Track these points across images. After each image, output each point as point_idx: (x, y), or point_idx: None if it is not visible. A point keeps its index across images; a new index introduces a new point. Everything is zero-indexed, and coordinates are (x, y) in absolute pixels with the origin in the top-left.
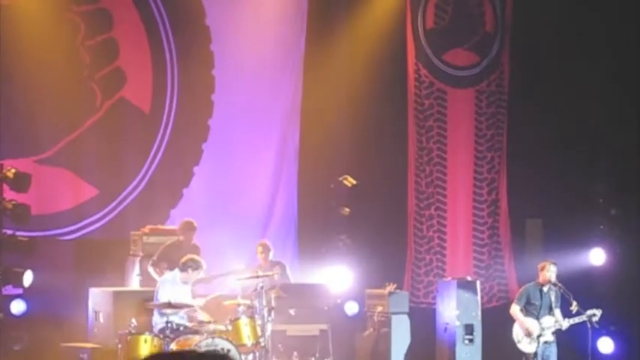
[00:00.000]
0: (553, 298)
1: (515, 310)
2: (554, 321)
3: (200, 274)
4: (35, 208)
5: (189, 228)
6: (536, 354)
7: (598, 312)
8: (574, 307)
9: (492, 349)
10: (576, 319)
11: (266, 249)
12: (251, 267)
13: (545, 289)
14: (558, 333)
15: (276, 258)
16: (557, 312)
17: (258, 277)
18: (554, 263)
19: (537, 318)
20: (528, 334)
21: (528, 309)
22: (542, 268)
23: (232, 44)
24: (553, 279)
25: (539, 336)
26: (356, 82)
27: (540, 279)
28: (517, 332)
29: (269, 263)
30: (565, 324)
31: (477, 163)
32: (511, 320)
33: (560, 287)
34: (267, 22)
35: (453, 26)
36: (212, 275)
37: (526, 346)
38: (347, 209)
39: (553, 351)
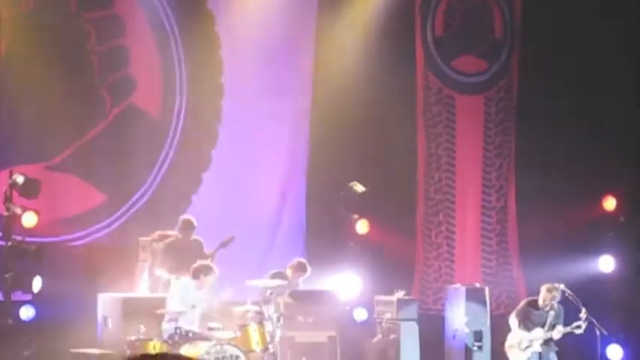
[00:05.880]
0: (550, 319)
1: (513, 323)
2: (544, 332)
3: (214, 278)
4: (44, 214)
5: (187, 227)
6: None
7: (583, 323)
8: (583, 314)
9: (501, 356)
10: (568, 329)
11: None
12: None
13: (546, 308)
14: (566, 341)
15: (283, 266)
16: (559, 327)
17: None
18: (558, 289)
19: (529, 331)
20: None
21: (525, 323)
22: (549, 291)
23: (241, 51)
24: (554, 304)
25: (527, 347)
26: (365, 88)
27: (540, 301)
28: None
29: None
30: (556, 334)
31: (486, 169)
32: None
33: (569, 294)
34: (276, 27)
35: (462, 33)
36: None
37: (514, 356)
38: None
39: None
